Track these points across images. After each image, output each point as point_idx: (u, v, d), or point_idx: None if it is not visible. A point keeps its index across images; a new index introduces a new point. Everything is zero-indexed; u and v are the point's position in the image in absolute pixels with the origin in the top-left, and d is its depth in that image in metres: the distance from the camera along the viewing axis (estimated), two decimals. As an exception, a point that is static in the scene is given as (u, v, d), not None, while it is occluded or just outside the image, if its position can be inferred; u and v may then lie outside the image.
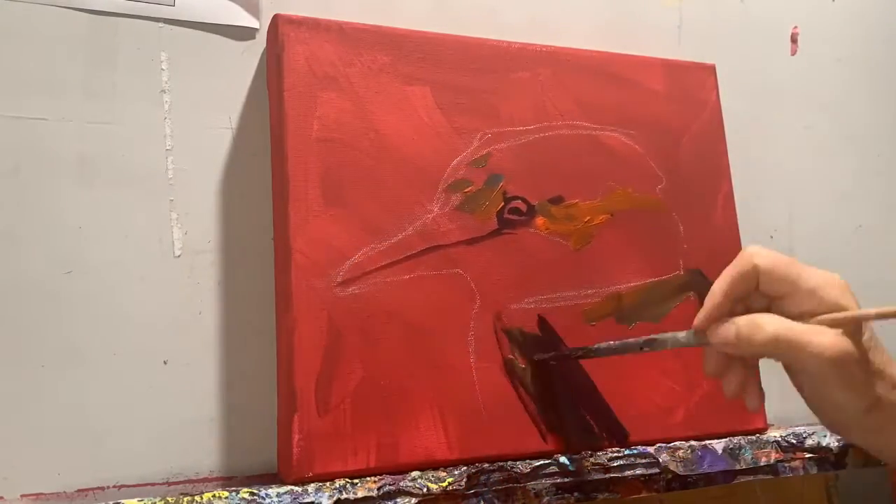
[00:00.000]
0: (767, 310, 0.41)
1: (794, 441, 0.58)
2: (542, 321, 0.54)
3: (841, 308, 0.39)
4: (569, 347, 0.53)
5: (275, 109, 0.51)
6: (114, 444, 0.47)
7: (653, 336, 0.45)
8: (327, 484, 0.45)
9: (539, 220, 0.55)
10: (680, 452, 0.54)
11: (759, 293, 0.41)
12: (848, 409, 0.40)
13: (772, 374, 0.62)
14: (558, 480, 0.51)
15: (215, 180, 0.52)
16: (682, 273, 0.60)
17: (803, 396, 0.42)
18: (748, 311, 0.41)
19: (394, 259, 0.50)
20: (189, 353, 0.50)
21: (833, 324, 0.39)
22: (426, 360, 0.50)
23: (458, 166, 0.54)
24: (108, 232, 0.49)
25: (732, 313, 0.41)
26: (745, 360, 0.43)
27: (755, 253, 0.41)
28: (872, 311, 0.38)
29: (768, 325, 0.39)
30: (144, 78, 0.51)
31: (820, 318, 0.39)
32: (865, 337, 0.40)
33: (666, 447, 0.54)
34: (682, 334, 0.44)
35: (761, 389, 0.44)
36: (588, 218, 0.57)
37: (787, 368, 0.42)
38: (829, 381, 0.39)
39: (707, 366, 0.44)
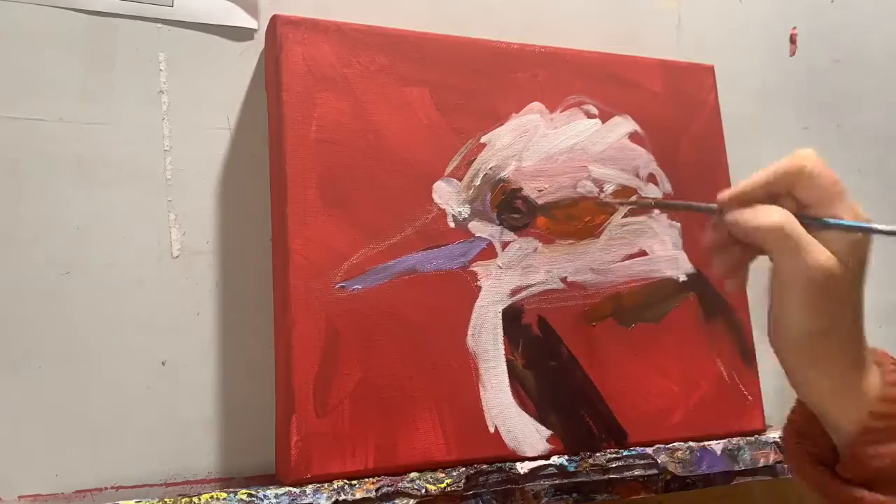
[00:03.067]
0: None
1: (793, 442, 0.58)
2: (542, 321, 0.54)
3: (856, 252, 0.40)
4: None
5: (273, 110, 0.51)
6: (112, 445, 0.47)
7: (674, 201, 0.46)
8: (325, 485, 0.45)
9: (540, 220, 0.55)
10: (679, 453, 0.54)
11: (791, 197, 0.41)
12: (797, 328, 0.40)
13: (770, 375, 0.63)
14: (557, 482, 0.51)
15: (214, 181, 0.52)
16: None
17: (769, 309, 0.42)
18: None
19: (393, 259, 0.50)
20: (187, 353, 0.50)
21: (844, 229, 0.40)
22: (425, 361, 0.50)
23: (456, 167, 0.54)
24: (107, 232, 0.49)
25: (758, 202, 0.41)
26: (745, 246, 0.43)
27: (807, 156, 0.41)
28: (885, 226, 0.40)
29: (780, 214, 0.39)
30: (143, 78, 0.51)
31: (833, 220, 0.40)
32: (856, 272, 0.40)
33: (664, 448, 0.54)
34: (703, 204, 0.44)
35: (747, 275, 0.44)
36: (588, 218, 0.57)
37: (771, 273, 0.41)
38: (796, 296, 0.39)
39: (709, 238, 0.44)
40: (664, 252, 0.59)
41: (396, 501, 0.46)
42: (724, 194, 0.42)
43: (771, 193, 0.41)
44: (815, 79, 0.76)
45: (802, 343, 0.40)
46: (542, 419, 0.52)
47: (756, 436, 0.58)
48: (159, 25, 0.52)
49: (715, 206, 0.43)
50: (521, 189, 0.55)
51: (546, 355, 0.54)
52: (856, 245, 0.40)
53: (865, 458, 0.39)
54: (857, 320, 0.41)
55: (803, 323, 0.39)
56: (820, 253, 0.39)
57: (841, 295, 0.39)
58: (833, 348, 0.40)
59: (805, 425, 0.43)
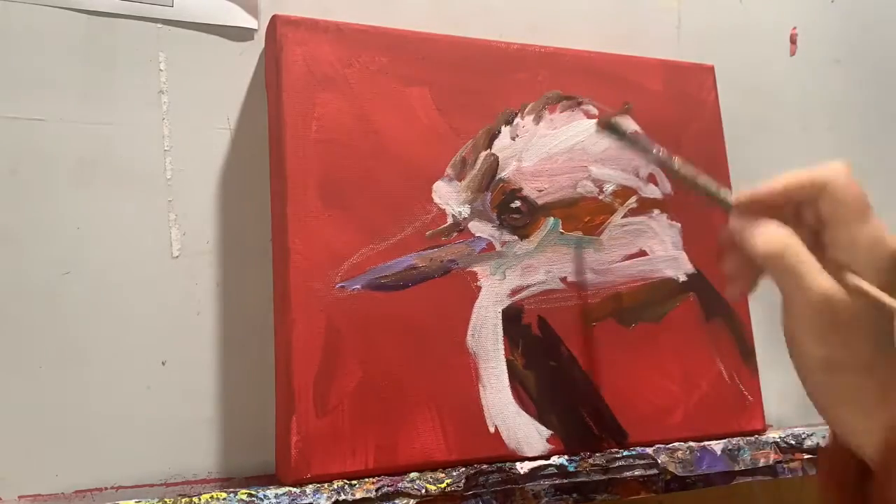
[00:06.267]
0: (813, 233, 0.39)
1: (793, 442, 0.58)
2: (542, 321, 0.54)
3: (877, 278, 0.37)
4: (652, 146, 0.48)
5: (273, 110, 0.51)
6: (112, 445, 0.47)
7: (698, 175, 0.44)
8: (325, 485, 0.45)
9: (540, 221, 0.55)
10: (679, 453, 0.54)
11: (813, 208, 0.39)
12: (811, 361, 0.38)
13: (772, 375, 0.63)
14: (557, 482, 0.51)
15: (214, 181, 0.52)
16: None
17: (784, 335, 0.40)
18: (795, 219, 0.39)
19: (393, 259, 0.50)
20: (187, 353, 0.50)
21: (853, 288, 0.36)
22: (425, 361, 0.50)
23: (456, 167, 0.54)
24: (107, 232, 0.49)
25: (777, 210, 0.39)
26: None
27: (836, 169, 0.39)
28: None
29: (784, 239, 0.38)
30: (143, 78, 0.51)
31: (850, 276, 0.37)
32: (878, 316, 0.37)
33: (665, 448, 0.54)
34: (721, 190, 0.42)
35: (752, 285, 0.42)
36: (588, 218, 0.57)
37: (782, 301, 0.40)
38: (803, 326, 0.37)
39: (723, 234, 0.42)
40: (664, 252, 0.59)
41: (396, 501, 0.46)
42: (741, 195, 0.40)
43: (792, 200, 0.40)
44: (816, 79, 0.76)
45: (820, 378, 0.38)
46: (542, 419, 0.52)
47: (756, 436, 0.58)
48: (159, 25, 0.52)
49: (730, 202, 0.41)
50: (521, 189, 0.55)
51: (546, 355, 0.54)
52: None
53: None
54: (880, 350, 0.37)
55: (816, 355, 0.37)
56: (822, 279, 0.37)
57: (851, 324, 0.37)
58: (852, 383, 0.37)
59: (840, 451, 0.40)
